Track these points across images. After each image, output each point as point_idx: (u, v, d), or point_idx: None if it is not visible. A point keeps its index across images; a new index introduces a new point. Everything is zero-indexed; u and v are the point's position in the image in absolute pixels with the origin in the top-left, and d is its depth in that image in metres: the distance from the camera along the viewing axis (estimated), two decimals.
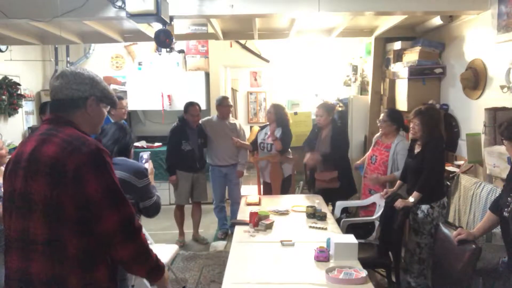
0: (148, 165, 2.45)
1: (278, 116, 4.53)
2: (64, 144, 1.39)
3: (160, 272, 1.57)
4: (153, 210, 2.25)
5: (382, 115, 3.88)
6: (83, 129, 1.51)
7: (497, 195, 2.58)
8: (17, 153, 1.48)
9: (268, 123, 4.70)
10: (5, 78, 5.25)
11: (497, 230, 2.35)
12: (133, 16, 3.15)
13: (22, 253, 1.40)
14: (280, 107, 4.61)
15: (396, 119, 3.77)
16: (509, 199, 2.09)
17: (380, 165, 3.77)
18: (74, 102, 1.50)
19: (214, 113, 5.10)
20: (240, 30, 4.97)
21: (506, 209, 2.07)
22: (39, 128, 1.53)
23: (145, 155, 2.61)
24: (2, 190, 2.58)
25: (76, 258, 1.37)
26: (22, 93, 5.56)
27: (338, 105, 5.57)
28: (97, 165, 1.39)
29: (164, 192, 5.91)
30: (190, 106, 4.60)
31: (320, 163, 4.23)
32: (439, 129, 3.16)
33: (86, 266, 1.39)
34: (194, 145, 4.60)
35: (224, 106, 4.71)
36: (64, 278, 1.37)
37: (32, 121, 5.95)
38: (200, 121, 4.74)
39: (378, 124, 3.89)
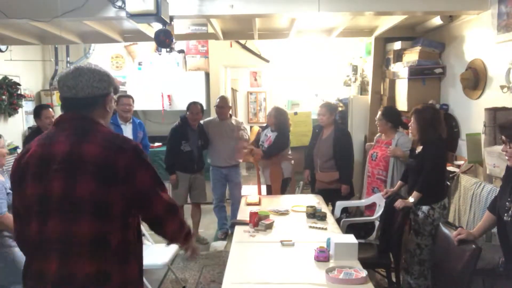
0: None
1: (277, 120, 4.50)
2: (107, 144, 1.41)
3: (190, 235, 1.74)
4: None
5: (378, 113, 3.92)
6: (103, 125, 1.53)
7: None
8: (41, 156, 1.42)
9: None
10: (5, 78, 5.25)
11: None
12: (133, 16, 3.16)
13: (62, 256, 1.37)
14: (281, 112, 4.56)
15: (391, 117, 3.80)
16: (507, 203, 2.08)
17: (381, 161, 3.81)
18: (95, 100, 1.49)
19: (213, 113, 5.11)
20: (240, 30, 4.97)
21: (506, 214, 2.07)
22: (58, 128, 1.47)
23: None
24: (8, 189, 2.60)
25: (117, 253, 1.41)
26: (22, 93, 5.56)
27: (338, 104, 5.57)
28: (142, 159, 1.47)
29: None
30: (192, 104, 4.62)
31: (321, 161, 4.24)
32: (437, 129, 3.15)
33: (124, 260, 1.44)
34: (194, 146, 4.59)
35: (219, 107, 4.70)
36: (108, 274, 1.40)
37: (32, 121, 5.93)
38: (201, 122, 4.74)
39: (376, 122, 3.93)
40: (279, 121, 4.51)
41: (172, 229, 1.59)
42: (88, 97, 1.46)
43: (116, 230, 1.41)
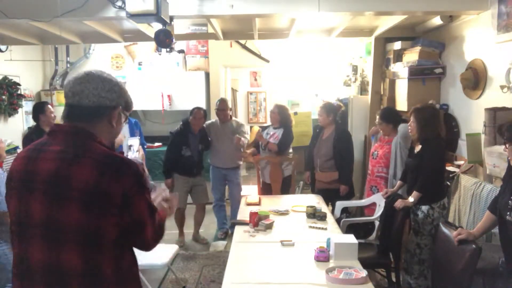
0: (139, 153, 2.43)
1: (282, 116, 4.55)
2: (100, 167, 1.24)
3: (160, 216, 1.49)
4: None
5: (377, 117, 3.93)
6: (102, 140, 1.36)
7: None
8: (25, 170, 1.29)
9: (270, 123, 4.72)
10: (5, 78, 5.25)
11: (497, 230, 2.35)
12: (133, 16, 3.16)
13: (51, 286, 1.26)
14: (284, 108, 4.63)
15: (390, 118, 3.82)
16: (510, 202, 2.08)
17: (381, 158, 3.85)
18: (100, 111, 1.33)
19: (213, 114, 5.11)
20: (240, 30, 4.97)
21: (508, 213, 2.07)
22: (48, 140, 1.33)
23: (135, 143, 2.56)
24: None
25: (111, 281, 1.29)
26: (22, 93, 5.56)
27: (337, 104, 5.57)
28: (142, 186, 1.31)
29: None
30: (196, 109, 4.63)
31: (321, 161, 4.25)
32: (436, 128, 3.15)
33: (120, 286, 1.33)
34: (194, 151, 4.60)
35: (219, 109, 4.71)
36: None
37: (32, 121, 5.94)
38: (204, 124, 4.76)
39: (377, 126, 3.95)
40: (283, 116, 4.55)
41: (149, 244, 1.43)
42: (92, 107, 1.31)
43: (109, 259, 1.27)
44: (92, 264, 1.25)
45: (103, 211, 1.23)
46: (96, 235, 1.24)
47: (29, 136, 4.02)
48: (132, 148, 2.70)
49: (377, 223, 3.48)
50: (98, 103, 1.32)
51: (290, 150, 4.66)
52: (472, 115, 3.68)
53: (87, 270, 1.24)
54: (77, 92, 1.31)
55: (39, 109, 4.07)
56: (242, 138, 4.62)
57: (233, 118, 4.87)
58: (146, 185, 1.34)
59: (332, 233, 2.93)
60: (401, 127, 3.73)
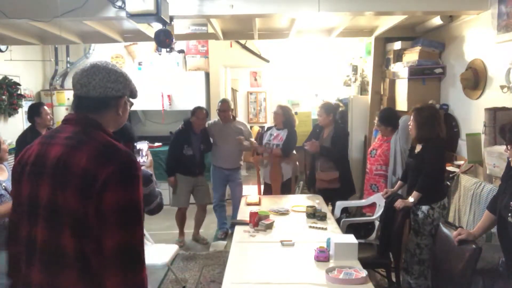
0: (148, 158, 2.45)
1: (286, 117, 4.55)
2: (97, 155, 1.28)
3: None
4: (157, 210, 2.21)
5: (376, 119, 3.94)
6: (109, 130, 1.41)
7: None
8: (38, 154, 1.35)
9: (274, 124, 4.72)
10: (5, 78, 5.25)
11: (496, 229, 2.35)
12: (133, 16, 3.16)
13: (48, 266, 1.28)
14: (288, 109, 4.64)
15: (389, 122, 3.84)
16: (511, 203, 2.08)
17: (380, 155, 3.87)
18: (107, 101, 1.39)
19: (214, 114, 5.11)
20: (240, 30, 4.97)
21: (510, 214, 2.06)
22: (61, 128, 1.40)
23: (144, 148, 2.57)
24: (4, 185, 2.58)
25: (100, 275, 1.25)
26: (22, 93, 5.56)
27: (338, 104, 5.57)
28: (125, 178, 1.27)
29: (164, 192, 5.87)
30: (198, 109, 4.63)
31: (322, 161, 4.25)
32: (436, 128, 3.15)
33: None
34: (196, 150, 4.62)
35: (220, 110, 4.71)
36: None
37: None
38: (206, 124, 4.76)
39: (376, 127, 3.97)
40: (287, 117, 4.56)
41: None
42: (99, 97, 1.37)
43: (96, 254, 1.24)
44: (83, 251, 1.26)
45: (89, 198, 1.24)
46: (84, 221, 1.24)
47: (23, 138, 3.96)
48: (141, 152, 2.69)
49: (377, 223, 3.48)
50: (105, 94, 1.38)
51: (294, 151, 4.66)
52: (472, 115, 3.68)
53: (79, 256, 1.26)
54: (85, 84, 1.37)
55: (35, 112, 4.04)
56: (245, 142, 4.62)
57: (237, 119, 4.86)
58: (135, 180, 1.29)
59: (332, 233, 2.93)
60: (402, 119, 3.75)
